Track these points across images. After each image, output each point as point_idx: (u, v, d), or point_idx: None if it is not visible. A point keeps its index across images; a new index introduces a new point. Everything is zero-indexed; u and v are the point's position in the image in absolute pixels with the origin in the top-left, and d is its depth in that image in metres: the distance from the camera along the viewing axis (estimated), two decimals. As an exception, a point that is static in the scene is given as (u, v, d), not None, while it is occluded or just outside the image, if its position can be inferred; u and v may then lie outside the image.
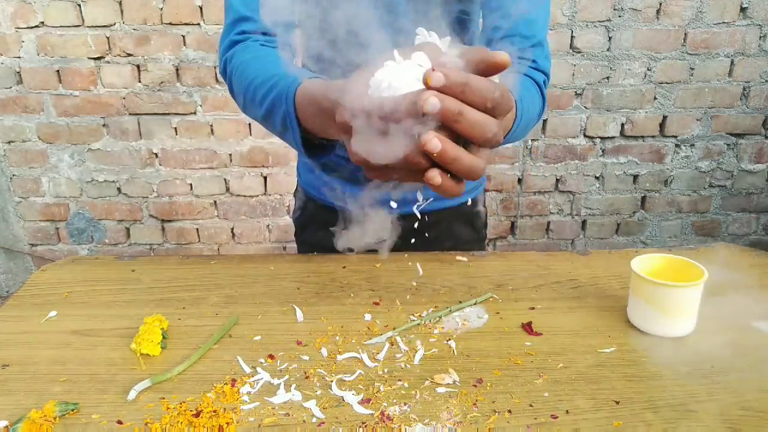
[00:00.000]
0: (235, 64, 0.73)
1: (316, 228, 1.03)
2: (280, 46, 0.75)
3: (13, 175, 2.12)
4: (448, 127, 0.42)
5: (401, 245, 1.00)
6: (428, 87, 0.41)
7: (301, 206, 1.04)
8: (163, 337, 0.70)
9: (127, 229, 2.21)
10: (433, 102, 0.40)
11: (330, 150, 0.65)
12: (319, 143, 0.64)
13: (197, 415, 0.58)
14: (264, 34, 0.75)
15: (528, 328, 0.74)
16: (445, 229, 0.99)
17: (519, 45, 0.74)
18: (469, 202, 1.01)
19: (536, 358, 0.68)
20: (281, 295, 0.82)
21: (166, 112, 2.03)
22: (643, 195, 2.20)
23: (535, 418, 0.58)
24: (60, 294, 0.83)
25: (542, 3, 0.79)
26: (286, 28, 0.73)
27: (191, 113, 2.04)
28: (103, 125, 2.05)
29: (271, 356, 0.68)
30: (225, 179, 2.14)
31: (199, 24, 1.93)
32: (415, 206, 0.67)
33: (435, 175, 0.43)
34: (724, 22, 1.95)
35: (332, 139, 0.61)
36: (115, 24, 1.91)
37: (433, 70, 0.41)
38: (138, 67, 1.97)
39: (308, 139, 0.63)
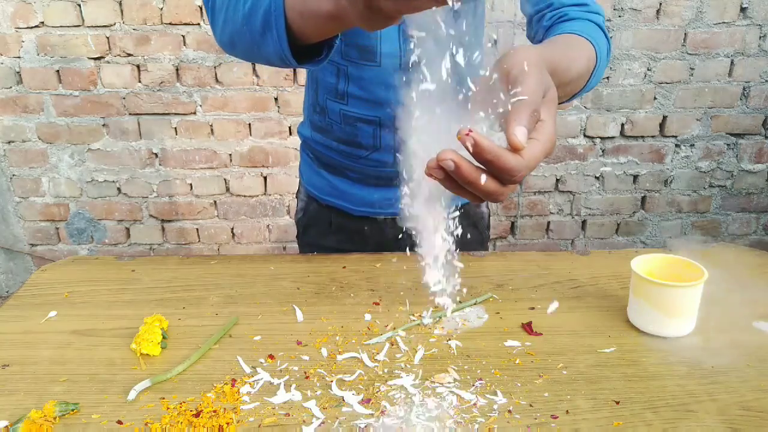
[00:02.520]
0: None
1: (318, 229, 1.02)
2: None
3: (13, 175, 2.12)
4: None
5: (404, 245, 1.00)
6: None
7: (303, 207, 1.04)
8: (163, 337, 0.70)
9: (127, 229, 2.21)
10: (449, 165, 0.44)
11: (316, 57, 0.60)
12: (304, 50, 0.60)
13: (197, 415, 0.58)
14: None
15: (528, 328, 0.74)
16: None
17: None
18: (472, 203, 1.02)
19: (536, 358, 0.68)
20: (281, 295, 0.82)
21: (166, 112, 2.03)
22: (643, 195, 2.20)
23: (535, 418, 0.58)
24: (60, 294, 0.83)
25: None
26: None
27: (191, 113, 2.04)
28: (103, 125, 2.05)
29: (271, 356, 0.68)
30: (225, 179, 2.14)
31: (199, 24, 1.93)
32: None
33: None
34: (724, 22, 1.95)
35: (321, 37, 0.56)
36: (115, 24, 1.91)
37: (469, 132, 0.43)
38: (138, 67, 1.97)
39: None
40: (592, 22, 0.73)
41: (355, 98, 0.86)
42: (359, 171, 0.93)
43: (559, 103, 0.66)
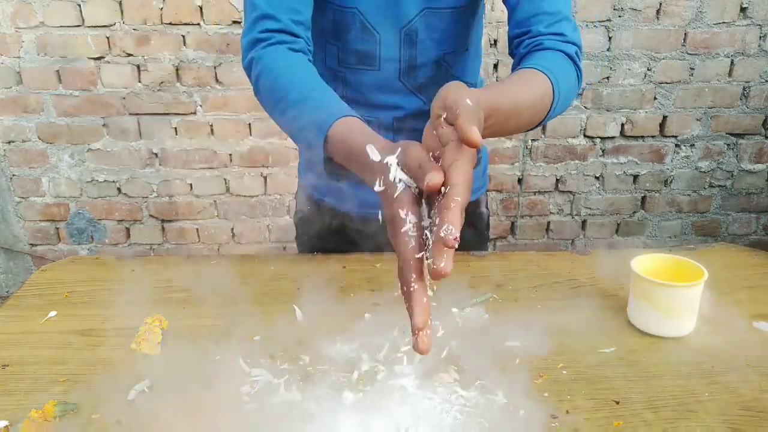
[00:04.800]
0: (264, 69, 0.71)
1: (317, 230, 1.02)
2: (307, 51, 0.74)
3: (13, 175, 2.11)
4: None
5: None
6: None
7: (302, 208, 1.04)
8: (163, 337, 0.70)
9: (127, 229, 2.21)
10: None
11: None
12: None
13: (197, 415, 0.58)
14: (286, 32, 0.73)
15: (528, 327, 0.74)
16: None
17: (546, 21, 0.74)
18: (473, 203, 1.01)
19: (536, 358, 0.68)
20: (281, 295, 0.82)
21: (166, 112, 2.03)
22: (643, 195, 2.20)
23: (536, 418, 0.58)
24: (60, 294, 0.83)
25: None
26: (306, 29, 0.73)
27: (191, 113, 2.04)
28: (103, 125, 2.05)
29: (271, 356, 0.68)
30: (225, 179, 2.14)
31: (199, 24, 1.93)
32: None
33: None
34: (724, 22, 1.95)
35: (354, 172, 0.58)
36: (115, 24, 1.91)
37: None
38: (138, 67, 1.97)
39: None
40: (563, 53, 0.73)
41: (354, 102, 0.86)
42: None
43: (516, 132, 0.67)
